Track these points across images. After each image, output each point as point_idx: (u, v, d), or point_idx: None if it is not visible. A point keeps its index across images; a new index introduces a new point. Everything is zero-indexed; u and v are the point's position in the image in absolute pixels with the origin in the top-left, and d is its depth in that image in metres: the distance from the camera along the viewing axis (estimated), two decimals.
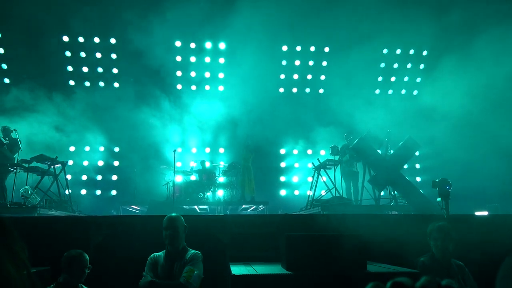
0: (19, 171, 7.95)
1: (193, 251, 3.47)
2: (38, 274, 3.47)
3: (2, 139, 7.74)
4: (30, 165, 7.88)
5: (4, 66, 11.22)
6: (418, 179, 12.01)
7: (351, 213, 6.52)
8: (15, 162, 7.85)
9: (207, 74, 12.11)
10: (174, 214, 3.59)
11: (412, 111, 11.33)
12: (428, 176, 10.99)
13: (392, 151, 8.43)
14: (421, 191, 8.03)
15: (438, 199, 4.83)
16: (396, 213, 7.43)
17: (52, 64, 11.10)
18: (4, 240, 0.55)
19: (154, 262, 3.42)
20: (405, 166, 9.32)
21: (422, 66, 12.36)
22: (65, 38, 11.22)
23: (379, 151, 8.47)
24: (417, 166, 12.32)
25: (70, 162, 10.58)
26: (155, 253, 3.50)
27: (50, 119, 10.25)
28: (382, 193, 8.30)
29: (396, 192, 8.02)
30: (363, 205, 8.11)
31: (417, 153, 10.47)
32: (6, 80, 11.31)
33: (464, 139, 9.97)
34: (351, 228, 4.48)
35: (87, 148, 11.53)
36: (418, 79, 12.48)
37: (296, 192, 11.78)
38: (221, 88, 12.21)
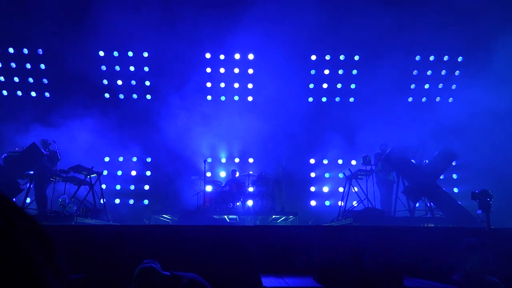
0: (58, 181, 8.32)
1: None
2: (75, 282, 3.57)
3: (43, 150, 8.12)
4: (68, 175, 8.21)
5: (45, 81, 11.82)
6: (456, 190, 11.52)
7: (385, 225, 6.33)
8: (54, 172, 8.22)
9: (236, 85, 12.24)
10: (143, 267, 3.18)
11: (447, 118, 10.94)
12: (467, 187, 10.53)
13: (427, 161, 8.15)
14: (459, 202, 7.69)
15: (479, 212, 4.61)
16: (433, 225, 7.14)
17: (88, 78, 11.56)
18: (46, 251, 0.56)
19: None
20: (442, 177, 8.98)
21: (457, 72, 11.96)
22: (101, 53, 11.70)
23: (413, 160, 8.22)
24: (454, 176, 11.83)
25: (105, 172, 10.93)
26: None
27: (86, 131, 10.66)
28: (417, 204, 8.02)
29: (432, 204, 7.72)
30: (397, 217, 7.85)
31: (454, 163, 10.06)
32: (47, 94, 11.91)
33: (505, 146, 9.52)
34: (385, 240, 4.35)
35: (120, 159, 11.89)
36: (454, 86, 12.07)
37: (327, 203, 11.59)
38: (250, 98, 12.30)
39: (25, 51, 11.52)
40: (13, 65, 11.61)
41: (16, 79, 11.76)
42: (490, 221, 4.55)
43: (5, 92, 11.83)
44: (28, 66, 11.68)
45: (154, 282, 3.10)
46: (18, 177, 7.98)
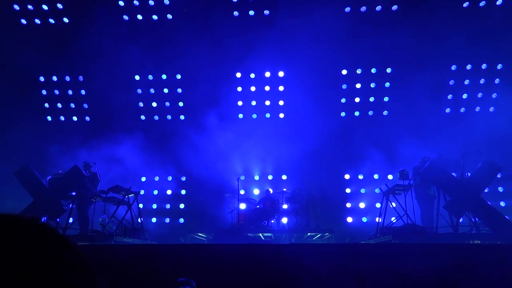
0: (98, 201, 8.64)
1: None
2: None
3: (84, 172, 8.47)
4: (107, 195, 8.50)
5: (86, 105, 12.44)
6: (503, 204, 10.88)
7: (427, 242, 6.05)
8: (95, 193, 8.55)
9: (267, 103, 12.32)
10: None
11: (489, 128, 10.46)
12: None
13: (469, 174, 7.77)
14: (506, 217, 7.25)
15: None
16: (479, 242, 6.75)
17: (125, 100, 12.04)
18: (89, 283, 0.57)
19: None
20: (486, 190, 8.52)
21: (497, 80, 11.44)
22: (137, 77, 12.19)
23: (454, 174, 7.88)
24: (500, 189, 11.19)
25: (142, 192, 11.21)
26: None
27: (124, 152, 11.04)
28: (461, 220, 7.63)
29: (477, 219, 7.32)
30: (440, 233, 7.49)
31: (499, 175, 9.53)
32: (87, 118, 12.50)
33: None
34: (427, 259, 4.15)
35: (156, 178, 12.18)
36: (494, 95, 11.54)
37: (364, 219, 11.27)
38: (281, 115, 12.33)
39: (67, 78, 12.20)
40: (57, 92, 12.32)
41: (59, 105, 12.43)
42: None
43: (49, 118, 12.53)
44: (70, 92, 12.34)
45: None
46: (61, 198, 8.35)
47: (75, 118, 12.54)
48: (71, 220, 8.57)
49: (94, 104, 12.35)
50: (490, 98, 11.59)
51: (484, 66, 11.42)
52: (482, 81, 11.56)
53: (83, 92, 12.35)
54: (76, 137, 11.58)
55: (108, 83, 11.56)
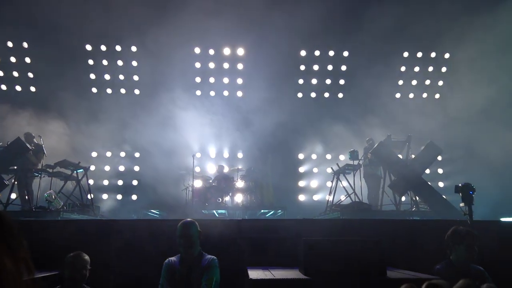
0: (44, 176, 8.20)
1: (209, 256, 3.37)
2: (58, 276, 3.55)
3: (28, 145, 7.98)
4: (54, 170, 8.11)
5: (31, 75, 11.61)
6: (441, 184, 11.71)
7: (371, 218, 6.41)
8: (40, 167, 8.09)
9: (226, 80, 12.21)
10: (188, 219, 3.45)
11: (434, 114, 11.13)
12: (452, 182, 10.70)
13: (413, 156, 8.27)
14: (443, 196, 7.84)
15: (461, 205, 4.70)
16: (418, 218, 7.27)
17: (75, 72, 11.40)
18: (2, 234, 0.55)
19: (170, 269, 3.31)
20: (427, 171, 9.12)
21: (444, 69, 12.12)
22: (88, 47, 11.54)
23: (400, 155, 8.34)
24: (440, 171, 12.02)
25: (92, 167, 10.81)
26: (170, 258, 3.40)
27: (73, 125, 10.53)
28: (403, 198, 8.14)
29: (417, 198, 7.86)
30: (383, 210, 7.97)
31: (439, 158, 10.21)
32: (32, 89, 11.70)
33: (490, 141, 9.70)
34: (370, 233, 4.42)
35: (108, 154, 11.78)
36: (440, 82, 12.24)
37: (315, 197, 11.68)
38: (239, 93, 12.28)
39: (10, 44, 11.30)
40: None
41: (0, 73, 11.52)
42: (473, 213, 4.65)
43: None
44: (13, 59, 11.46)
45: None
46: (2, 172, 7.86)
47: (19, 88, 11.69)
48: (13, 195, 8.12)
49: (40, 74, 11.54)
50: (437, 85, 12.27)
51: (433, 54, 12.03)
52: (430, 69, 12.19)
53: (28, 60, 11.50)
54: (20, 108, 10.83)
55: (56, 53, 10.85)
